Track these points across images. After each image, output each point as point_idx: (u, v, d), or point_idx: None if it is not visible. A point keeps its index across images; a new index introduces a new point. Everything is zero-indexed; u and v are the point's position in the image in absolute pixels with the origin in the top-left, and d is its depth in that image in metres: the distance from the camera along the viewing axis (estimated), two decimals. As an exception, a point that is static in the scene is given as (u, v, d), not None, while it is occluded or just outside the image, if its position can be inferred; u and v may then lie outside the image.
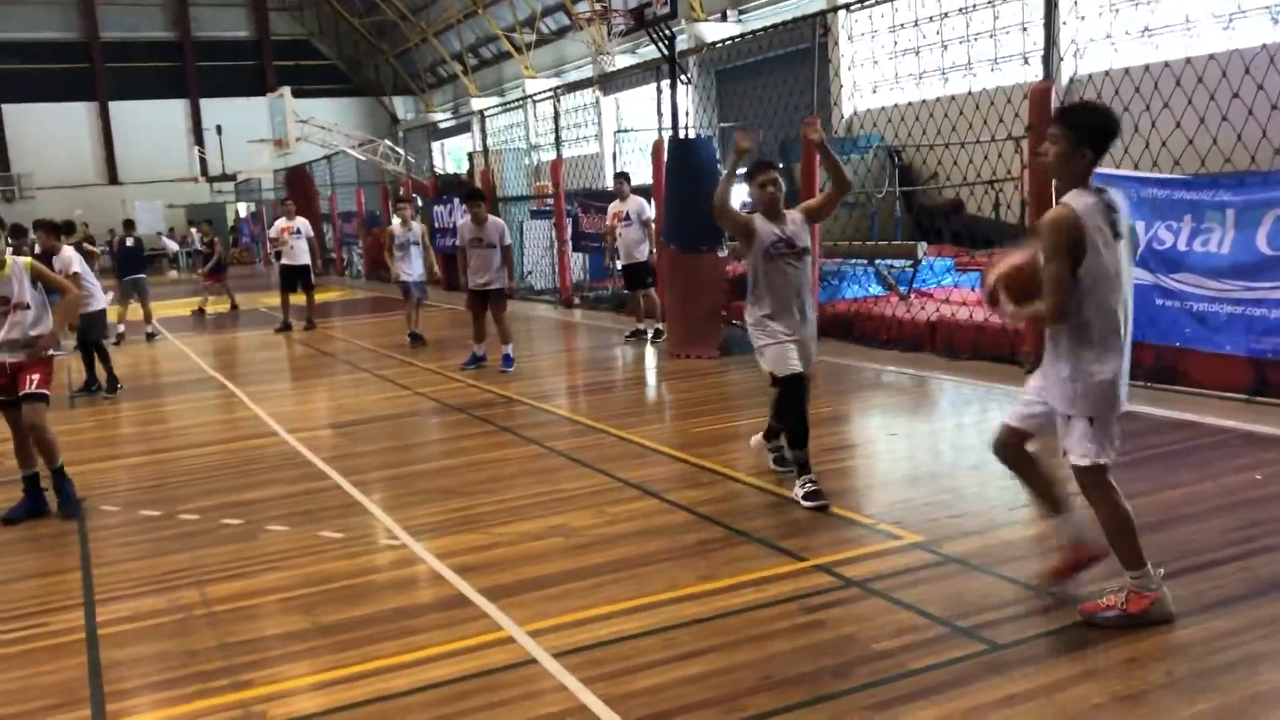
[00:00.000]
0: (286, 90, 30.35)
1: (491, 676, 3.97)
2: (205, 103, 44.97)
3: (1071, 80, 14.74)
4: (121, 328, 16.03)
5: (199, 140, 43.95)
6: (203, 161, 41.78)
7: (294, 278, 16.47)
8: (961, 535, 5.18)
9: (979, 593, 4.44)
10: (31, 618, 4.94)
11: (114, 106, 44.10)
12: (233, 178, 39.80)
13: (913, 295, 11.92)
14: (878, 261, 12.65)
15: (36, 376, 6.53)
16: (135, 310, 16.36)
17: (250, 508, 6.52)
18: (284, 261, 16.52)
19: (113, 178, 44.34)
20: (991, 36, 17.56)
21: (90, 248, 16.20)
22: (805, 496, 5.75)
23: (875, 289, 12.60)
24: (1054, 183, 4.08)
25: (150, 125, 44.09)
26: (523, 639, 4.26)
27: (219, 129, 40.47)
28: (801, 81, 12.81)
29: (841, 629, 4.18)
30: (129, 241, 16.17)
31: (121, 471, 7.81)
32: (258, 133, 33.08)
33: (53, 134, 42.68)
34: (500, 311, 11.30)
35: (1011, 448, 4.33)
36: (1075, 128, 3.88)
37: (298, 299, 16.56)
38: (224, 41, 46.17)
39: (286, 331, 16.11)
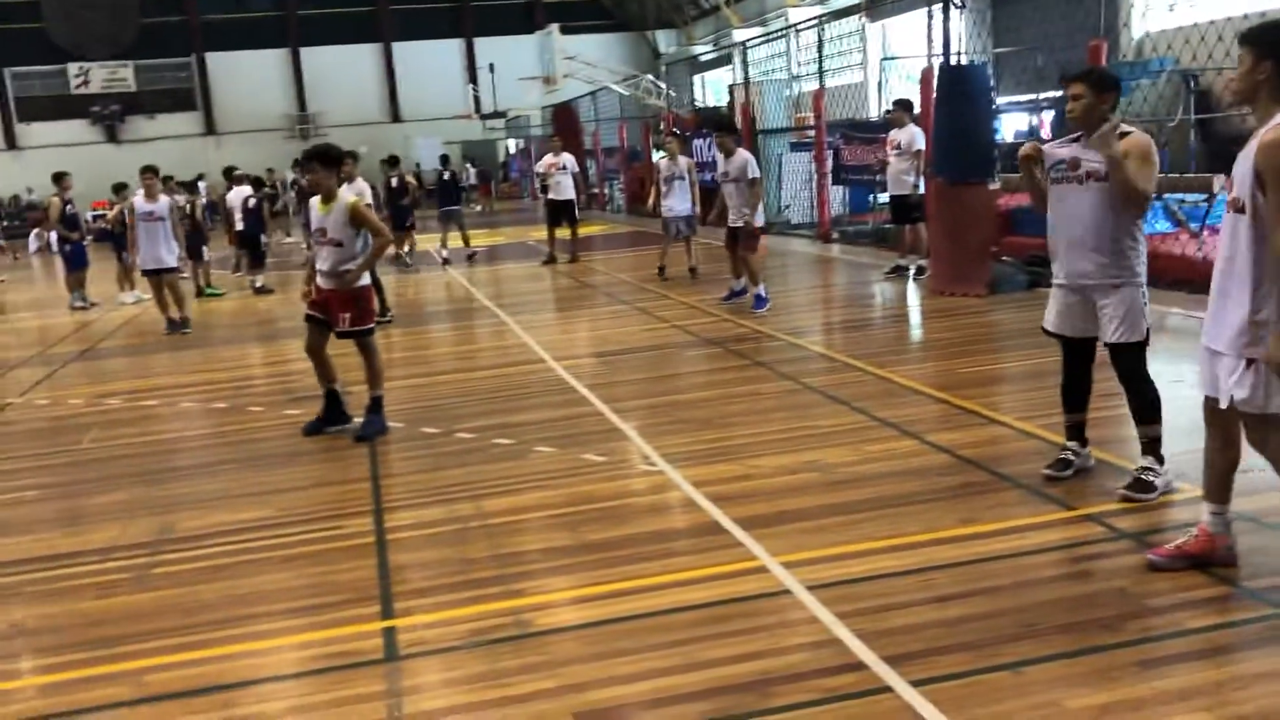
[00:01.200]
0: (555, 28, 31.11)
1: (747, 603, 4.05)
2: (479, 41, 46.84)
3: None
4: (444, 252, 18.10)
5: (473, 78, 45.89)
6: (476, 99, 43.61)
7: (559, 213, 17.02)
8: (1254, 491, 4.77)
9: (1274, 553, 4.13)
10: (327, 520, 5.44)
11: (396, 48, 46.67)
12: (504, 115, 41.37)
13: (1205, 233, 10.99)
14: (1167, 196, 11.73)
15: (348, 315, 6.94)
16: (454, 238, 18.25)
17: (520, 429, 6.87)
18: (550, 196, 17.09)
19: (395, 116, 47.09)
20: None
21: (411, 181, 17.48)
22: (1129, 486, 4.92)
23: (1163, 225, 11.70)
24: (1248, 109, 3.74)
25: (429, 64, 46.41)
26: (777, 569, 4.31)
27: (491, 67, 42.09)
28: (1086, 2, 11.95)
29: (1112, 581, 3.99)
30: (445, 175, 18.03)
31: (404, 391, 8.40)
32: (527, 70, 34.15)
33: (342, 75, 45.69)
34: (744, 251, 11.03)
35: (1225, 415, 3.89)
36: (1257, 44, 3.60)
37: (563, 233, 17.13)
38: (497, -19, 47.78)
39: (552, 264, 16.72)
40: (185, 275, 15.94)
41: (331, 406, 7.25)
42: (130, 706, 3.65)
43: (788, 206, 19.53)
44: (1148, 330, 4.94)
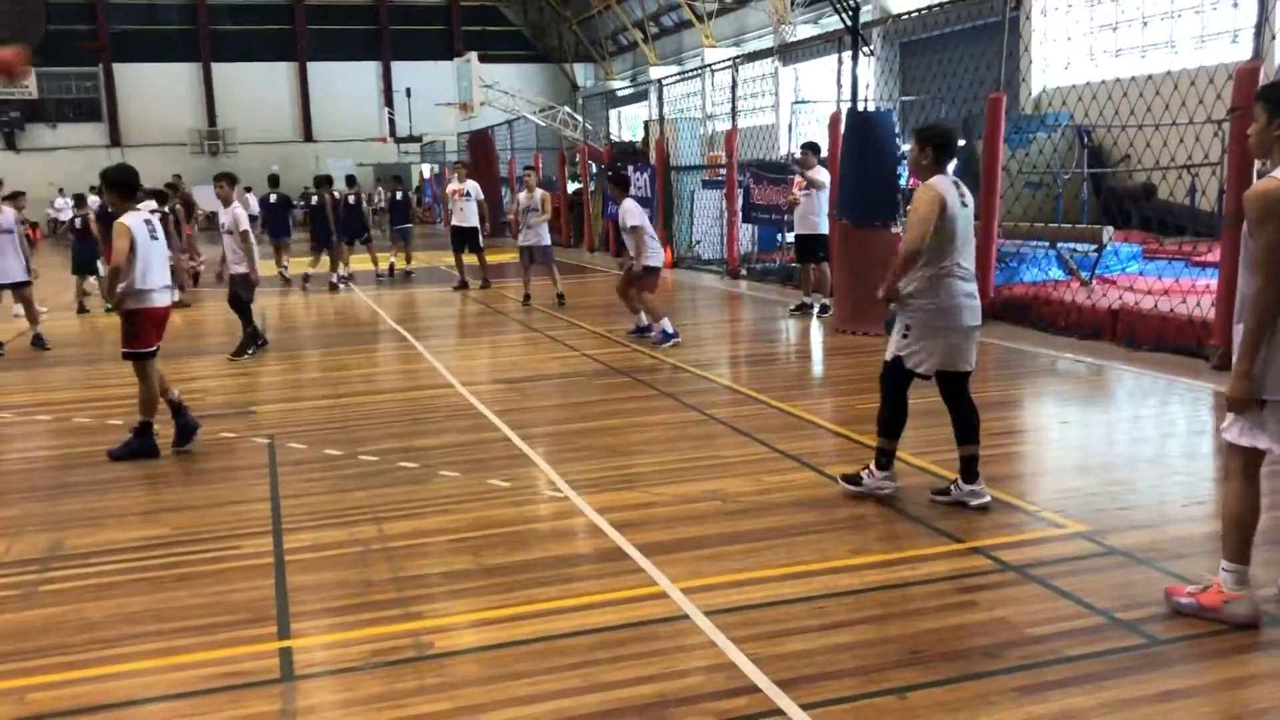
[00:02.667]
0: (473, 55, 31.17)
1: (646, 628, 4.11)
2: (396, 65, 46.68)
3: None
4: (343, 272, 18.33)
5: (389, 102, 45.66)
6: (391, 122, 43.40)
7: (463, 239, 17.05)
8: (1130, 528, 5.04)
9: (1143, 586, 4.33)
10: (224, 540, 5.36)
11: (312, 67, 46.25)
12: (419, 139, 41.23)
13: (1095, 281, 11.48)
14: (1060, 245, 12.23)
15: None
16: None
17: (425, 453, 6.86)
18: (454, 223, 17.11)
19: (308, 135, 46.55)
20: (1198, 12, 16.60)
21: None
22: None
23: (1055, 273, 12.19)
24: (1256, 164, 4.02)
25: (344, 86, 46.08)
26: (676, 595, 4.39)
27: (408, 91, 41.98)
28: (989, 56, 12.44)
29: (995, 611, 4.16)
30: (350, 199, 18.23)
31: (309, 412, 8.31)
32: (444, 96, 34.14)
33: (255, 92, 45.11)
34: (638, 291, 11.20)
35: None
36: (1270, 102, 3.84)
37: (469, 259, 17.15)
38: (416, 6, 47.74)
39: (463, 289, 16.70)
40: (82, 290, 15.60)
41: (175, 416, 7.29)
42: (12, 725, 3.56)
43: (698, 242, 19.82)
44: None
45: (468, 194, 16.86)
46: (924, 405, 5.90)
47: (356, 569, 4.88)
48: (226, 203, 10.99)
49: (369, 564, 4.95)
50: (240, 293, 11.01)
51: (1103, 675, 3.60)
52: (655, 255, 11.19)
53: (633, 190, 20.93)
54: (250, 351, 11.03)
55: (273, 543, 5.27)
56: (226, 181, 11.22)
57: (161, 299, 7.17)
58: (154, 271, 7.05)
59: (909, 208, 5.38)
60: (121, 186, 7.13)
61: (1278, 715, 3.34)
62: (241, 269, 10.82)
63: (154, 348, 7.17)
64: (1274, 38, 10.91)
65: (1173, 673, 3.61)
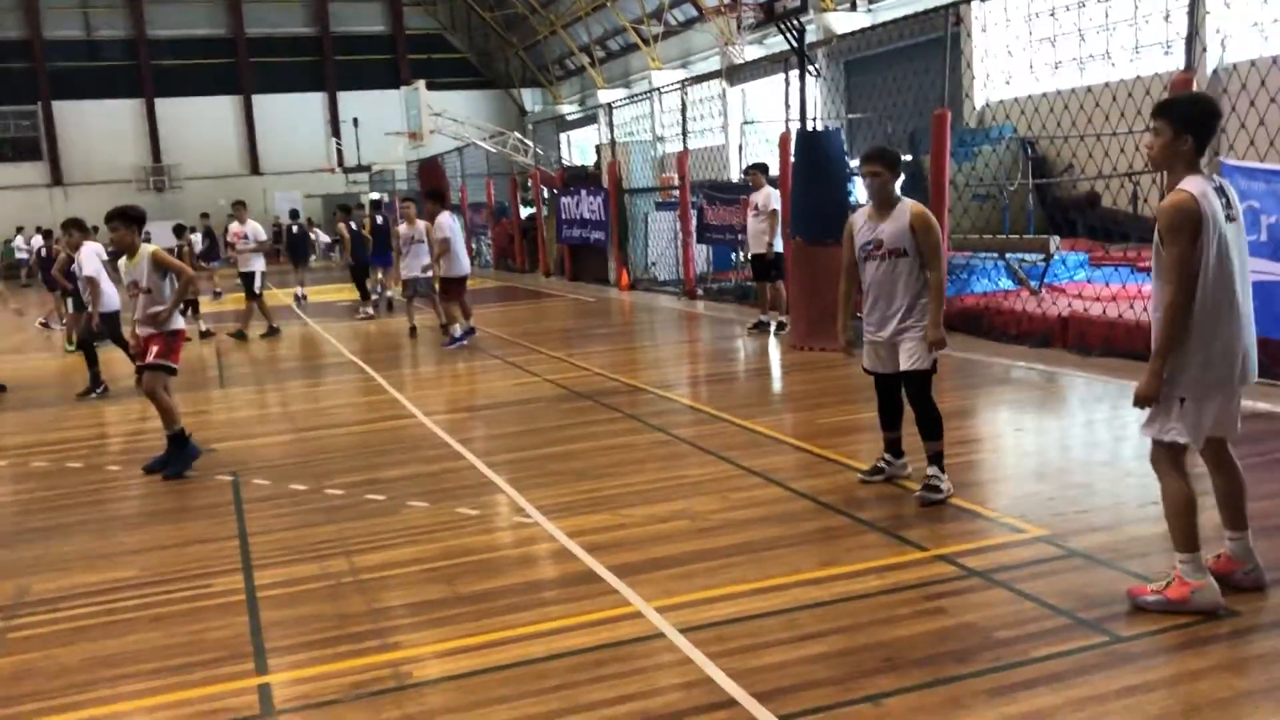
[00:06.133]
0: (421, 84, 31.15)
1: (622, 648, 4.17)
2: (342, 96, 46.52)
3: (1216, 70, 14.23)
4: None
5: (336, 132, 45.47)
6: (339, 153, 43.20)
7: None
8: (1088, 530, 5.17)
9: (1103, 586, 4.45)
10: (197, 579, 5.34)
11: (256, 100, 45.96)
12: (368, 169, 41.07)
13: (1044, 290, 11.72)
14: (1009, 255, 12.48)
15: (156, 348, 7.54)
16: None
17: (392, 484, 6.87)
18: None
19: (254, 168, 46.23)
20: (1132, 24, 17.05)
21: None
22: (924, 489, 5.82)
23: (1005, 283, 12.43)
24: (1164, 175, 4.16)
25: (290, 118, 45.83)
26: (650, 614, 4.45)
27: (355, 121, 41.83)
28: (932, 72, 12.70)
29: (963, 617, 4.26)
30: (295, 230, 18.48)
31: (272, 448, 8.28)
32: (392, 125, 34.05)
33: (200, 127, 44.71)
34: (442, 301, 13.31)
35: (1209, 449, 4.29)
36: (1173, 118, 3.99)
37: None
38: (361, 36, 47.64)
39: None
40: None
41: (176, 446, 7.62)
42: (-10, 774, 3.54)
43: (654, 264, 19.96)
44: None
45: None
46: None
47: (330, 602, 4.89)
48: (75, 249, 11.24)
49: (342, 597, 4.95)
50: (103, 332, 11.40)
51: (1069, 674, 3.70)
52: (461, 266, 13.30)
53: (569, 213, 21.42)
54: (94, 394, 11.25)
55: (244, 579, 5.26)
56: (76, 229, 11.27)
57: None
58: None
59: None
60: (141, 220, 7.72)
61: (1237, 704, 3.46)
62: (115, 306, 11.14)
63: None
64: (1204, 49, 11.27)
65: (1135, 668, 3.73)
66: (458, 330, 12.54)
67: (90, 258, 10.94)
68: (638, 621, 4.41)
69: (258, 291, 15.79)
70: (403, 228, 14.61)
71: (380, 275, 18.96)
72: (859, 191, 15.82)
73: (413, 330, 14.69)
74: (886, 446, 6.20)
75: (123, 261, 7.71)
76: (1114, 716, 3.42)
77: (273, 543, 5.86)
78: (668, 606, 4.52)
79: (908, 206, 5.82)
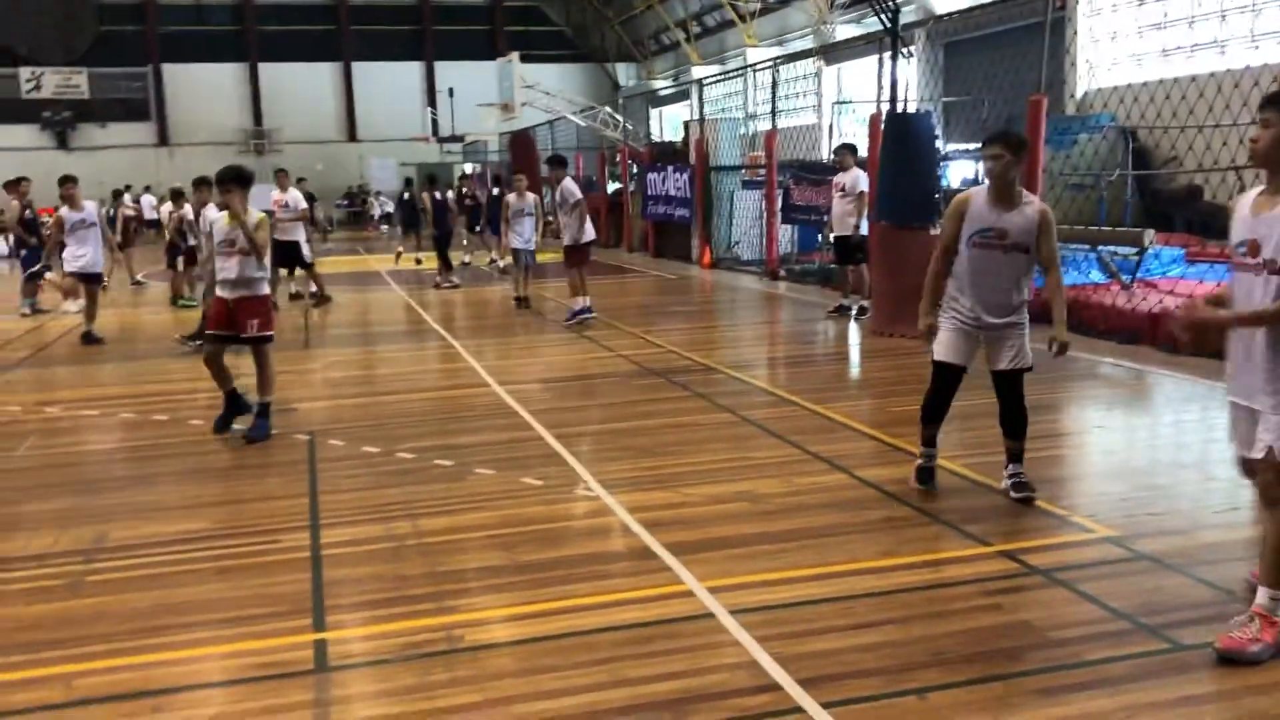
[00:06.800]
0: (515, 56, 31.33)
1: (672, 625, 4.18)
2: (439, 65, 47.01)
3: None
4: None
5: (431, 102, 45.98)
6: (434, 122, 43.68)
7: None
8: (1159, 533, 5.03)
9: (1170, 592, 4.33)
10: (265, 535, 5.49)
11: (356, 67, 46.69)
12: (461, 139, 41.48)
13: (1136, 284, 11.38)
14: (1101, 247, 12.14)
15: (256, 321, 7.51)
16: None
17: (461, 451, 6.97)
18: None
19: (352, 135, 47.03)
20: (1244, 12, 16.38)
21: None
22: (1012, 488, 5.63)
23: (1096, 276, 12.10)
24: (1264, 172, 3.82)
25: (388, 86, 46.46)
26: (703, 594, 4.45)
27: (450, 91, 42.20)
28: (1032, 57, 12.38)
29: (1019, 614, 4.18)
30: (405, 197, 18.69)
31: (348, 410, 8.46)
32: (487, 96, 34.30)
33: (300, 92, 45.59)
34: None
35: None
36: None
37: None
38: (460, 6, 48.04)
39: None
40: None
41: (234, 402, 7.71)
42: (58, 710, 3.69)
43: (738, 243, 19.85)
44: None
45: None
46: (955, 409, 5.89)
47: (391, 564, 4.99)
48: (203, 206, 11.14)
49: (404, 559, 5.05)
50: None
51: (1124, 679, 3.62)
52: (588, 232, 12.99)
53: (655, 189, 21.38)
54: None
55: (310, 538, 5.40)
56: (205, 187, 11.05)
57: None
58: None
59: None
60: (250, 183, 7.74)
61: (1300, 722, 3.35)
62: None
63: None
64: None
65: (1195, 678, 3.63)
66: (579, 304, 12.30)
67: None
68: (689, 600, 4.42)
69: (309, 261, 15.32)
70: (512, 198, 14.54)
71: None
72: (951, 176, 15.54)
73: (520, 301, 14.60)
74: (928, 441, 5.81)
75: (219, 220, 7.57)
76: (1168, 726, 3.33)
77: (341, 503, 5.99)
78: (721, 587, 4.51)
79: (1036, 202, 5.47)
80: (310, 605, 4.53)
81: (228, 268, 7.47)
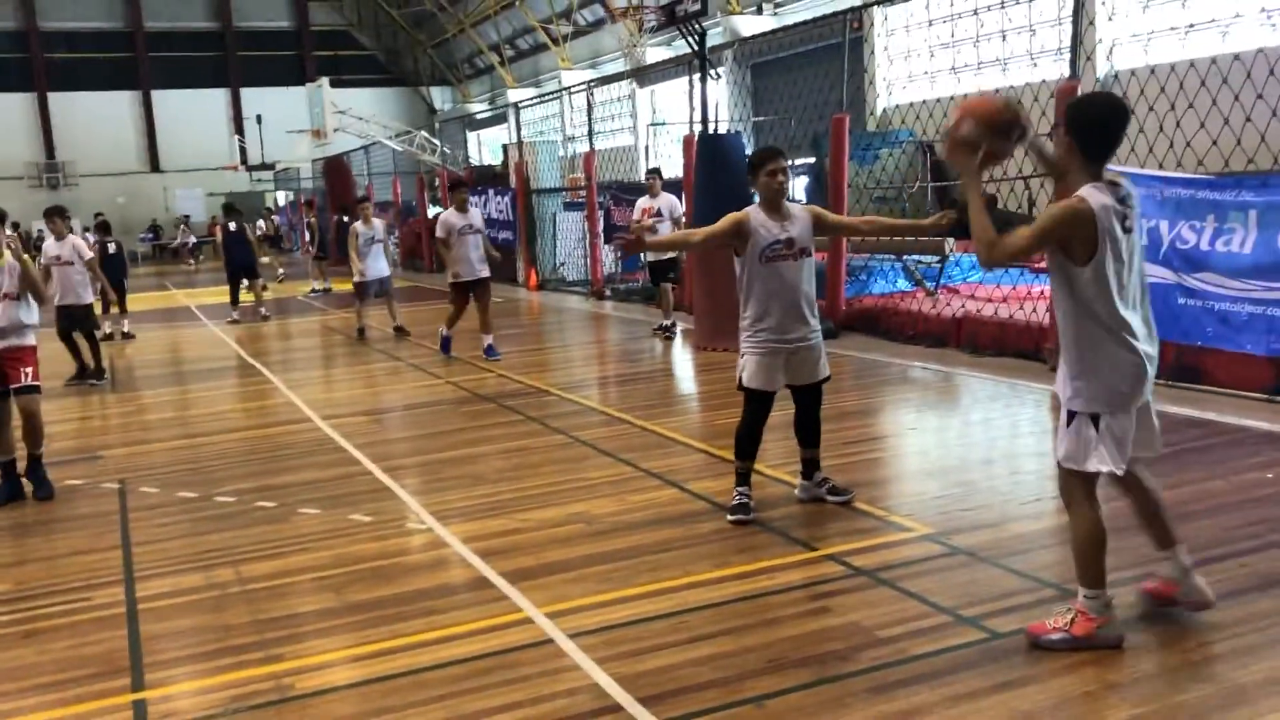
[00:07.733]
0: (325, 81, 30.71)
1: (511, 655, 4.14)
2: (246, 92, 45.61)
3: (1100, 79, 14.70)
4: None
5: (239, 129, 44.52)
6: (243, 150, 42.29)
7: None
8: (973, 528, 5.30)
9: (984, 584, 4.57)
10: (76, 592, 5.18)
11: (156, 95, 44.83)
12: (271, 167, 40.29)
13: (940, 291, 11.98)
14: (906, 257, 12.72)
15: (30, 370, 6.96)
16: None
17: (284, 491, 6.74)
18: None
19: (154, 166, 45.06)
20: (1021, 32, 17.52)
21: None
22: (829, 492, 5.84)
23: (902, 284, 12.67)
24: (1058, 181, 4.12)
25: (192, 114, 44.78)
26: (541, 620, 4.44)
27: (259, 118, 41.01)
28: (834, 76, 12.89)
29: (848, 616, 4.33)
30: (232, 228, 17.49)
31: (160, 454, 8.07)
32: (297, 123, 33.47)
33: (96, 122, 43.45)
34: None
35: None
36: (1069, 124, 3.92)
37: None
38: (265, 32, 46.78)
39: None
40: None
41: (12, 479, 6.98)
42: None
43: (563, 264, 19.92)
44: None
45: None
46: (776, 420, 6.06)
47: (214, 614, 4.78)
48: (60, 236, 11.65)
49: (227, 608, 4.84)
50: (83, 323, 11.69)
51: (946, 671, 3.79)
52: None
53: (494, 213, 21.21)
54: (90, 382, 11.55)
55: (125, 592, 5.12)
56: (59, 216, 11.54)
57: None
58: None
59: None
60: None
61: (1103, 696, 3.58)
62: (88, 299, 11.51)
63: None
64: (1088, 58, 11.63)
65: (1011, 664, 3.82)
66: (444, 330, 12.08)
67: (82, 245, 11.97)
68: (527, 628, 4.39)
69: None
70: (359, 226, 14.14)
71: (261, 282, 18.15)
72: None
73: (361, 331, 14.31)
74: (745, 478, 5.73)
75: None
76: (987, 712, 3.50)
77: (157, 553, 5.70)
78: (558, 612, 4.51)
79: (798, 205, 5.80)
80: (128, 664, 4.29)
81: None
